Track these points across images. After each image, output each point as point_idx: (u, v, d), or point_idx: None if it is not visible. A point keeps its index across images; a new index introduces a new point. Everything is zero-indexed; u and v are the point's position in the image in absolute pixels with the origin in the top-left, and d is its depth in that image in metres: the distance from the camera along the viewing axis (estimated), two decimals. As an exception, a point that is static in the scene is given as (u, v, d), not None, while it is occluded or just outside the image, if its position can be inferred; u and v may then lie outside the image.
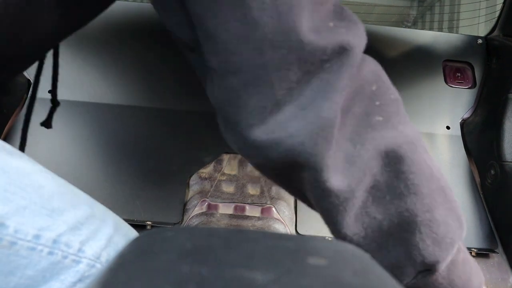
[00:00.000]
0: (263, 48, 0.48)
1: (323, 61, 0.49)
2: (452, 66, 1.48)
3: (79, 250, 0.56)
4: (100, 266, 0.58)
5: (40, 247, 0.52)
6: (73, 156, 1.24)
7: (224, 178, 1.25)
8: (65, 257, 0.54)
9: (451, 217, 0.53)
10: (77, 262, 0.56)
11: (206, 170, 1.26)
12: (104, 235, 0.60)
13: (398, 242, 0.53)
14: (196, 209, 1.18)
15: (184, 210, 1.19)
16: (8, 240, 0.50)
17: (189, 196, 1.21)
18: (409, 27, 3.32)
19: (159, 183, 1.22)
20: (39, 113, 1.36)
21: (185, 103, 1.36)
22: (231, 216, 1.18)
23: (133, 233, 0.67)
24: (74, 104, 1.32)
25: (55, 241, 0.53)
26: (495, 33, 1.54)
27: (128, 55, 1.41)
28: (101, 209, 0.63)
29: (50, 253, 0.53)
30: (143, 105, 1.34)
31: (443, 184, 0.54)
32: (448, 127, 1.40)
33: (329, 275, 0.29)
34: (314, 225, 1.19)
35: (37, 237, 0.52)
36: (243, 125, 0.51)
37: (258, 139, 0.50)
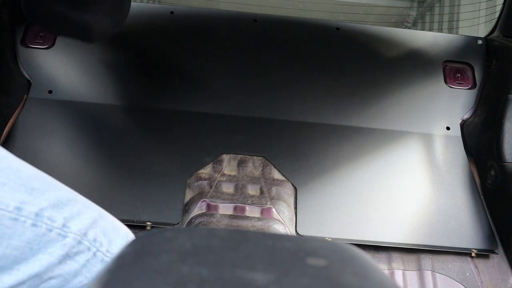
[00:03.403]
0: None
1: None
2: (452, 66, 1.48)
3: (64, 225, 0.58)
4: (88, 244, 0.60)
5: (22, 218, 0.54)
6: (73, 157, 1.24)
7: (224, 178, 1.25)
8: (49, 230, 0.56)
9: None
10: (63, 236, 0.58)
11: (206, 171, 1.26)
12: (88, 216, 0.62)
13: None
14: (196, 210, 1.18)
15: (184, 210, 1.19)
16: None
17: (189, 197, 1.21)
18: (409, 27, 3.32)
19: (159, 184, 1.22)
20: (39, 113, 1.36)
21: (185, 104, 1.36)
22: (231, 216, 1.18)
23: (118, 222, 0.69)
24: (73, 105, 1.32)
25: (37, 214, 0.56)
26: (495, 34, 1.54)
27: (127, 55, 1.41)
28: (84, 198, 0.65)
29: (34, 225, 0.55)
30: (143, 105, 1.34)
31: None
32: (448, 128, 1.40)
33: (328, 275, 0.29)
34: (313, 225, 1.19)
35: (18, 209, 0.54)
36: None
37: None
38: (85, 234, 0.61)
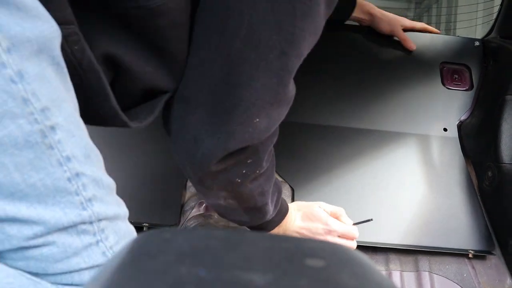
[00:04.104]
0: None
1: None
2: (449, 68, 1.48)
3: (90, 200, 0.60)
4: (96, 230, 0.61)
5: (65, 168, 0.57)
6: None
7: (222, 179, 1.25)
8: (77, 194, 0.58)
9: None
10: (83, 208, 0.59)
11: (204, 172, 1.26)
12: (114, 210, 0.65)
13: None
14: (194, 211, 1.18)
15: (181, 211, 1.19)
16: (49, 143, 0.55)
17: (186, 198, 1.21)
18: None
19: (156, 185, 1.22)
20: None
21: None
22: (228, 217, 1.18)
23: (135, 233, 0.70)
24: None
25: (77, 174, 0.58)
26: (492, 35, 1.55)
27: None
28: (120, 199, 0.69)
29: (69, 180, 0.57)
30: None
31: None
32: (445, 129, 1.40)
33: (326, 276, 0.29)
34: (311, 226, 1.19)
35: (68, 159, 0.57)
36: None
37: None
38: (99, 221, 0.62)
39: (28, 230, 0.55)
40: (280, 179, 1.27)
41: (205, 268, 0.28)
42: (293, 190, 1.25)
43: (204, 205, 1.18)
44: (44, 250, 0.57)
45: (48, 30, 0.54)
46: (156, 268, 0.28)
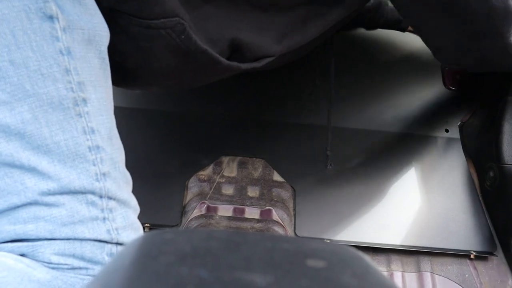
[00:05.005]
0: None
1: None
2: (451, 68, 1.48)
3: (104, 175, 0.64)
4: (104, 206, 0.64)
5: (87, 137, 0.62)
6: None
7: (223, 180, 1.25)
8: (93, 164, 0.63)
9: None
10: (96, 179, 0.63)
11: (205, 173, 1.26)
12: (125, 197, 0.68)
13: None
14: (195, 212, 1.18)
15: (182, 212, 1.19)
16: (79, 111, 0.61)
17: (187, 199, 1.21)
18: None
19: (157, 185, 1.22)
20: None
21: (184, 105, 1.36)
22: (230, 218, 1.18)
23: (141, 230, 0.73)
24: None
25: (97, 147, 0.63)
26: (494, 35, 1.54)
27: None
28: (133, 195, 0.72)
29: (89, 148, 0.62)
30: (140, 107, 1.34)
31: None
32: (447, 130, 1.40)
33: (327, 277, 0.29)
34: (312, 227, 1.19)
35: (92, 131, 0.62)
36: None
37: None
38: (109, 198, 0.64)
39: (43, 185, 0.59)
40: (281, 179, 1.27)
41: (206, 269, 0.28)
42: (294, 191, 1.25)
43: (205, 205, 1.19)
44: (54, 211, 0.60)
45: (100, 27, 0.63)
46: (157, 269, 0.28)
